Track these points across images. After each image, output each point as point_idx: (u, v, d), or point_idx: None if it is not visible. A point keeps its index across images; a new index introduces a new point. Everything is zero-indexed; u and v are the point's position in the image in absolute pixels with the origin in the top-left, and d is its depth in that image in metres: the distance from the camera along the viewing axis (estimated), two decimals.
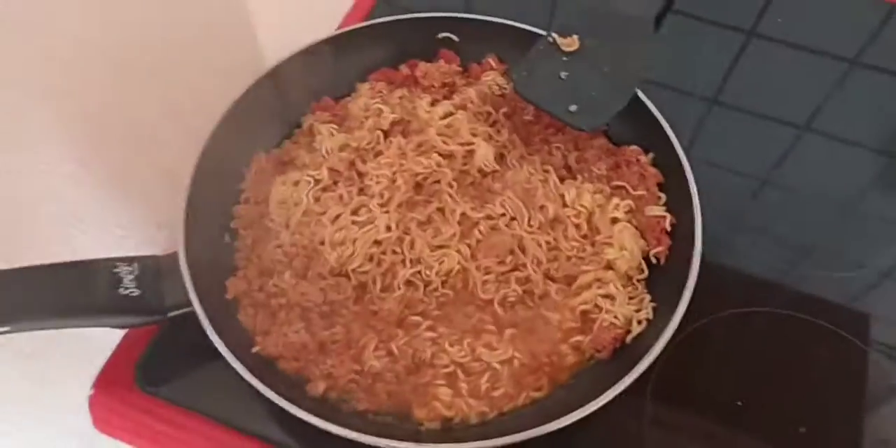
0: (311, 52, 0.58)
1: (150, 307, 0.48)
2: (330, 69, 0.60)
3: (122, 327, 0.50)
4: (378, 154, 0.56)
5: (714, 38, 0.71)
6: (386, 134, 0.57)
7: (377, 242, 0.51)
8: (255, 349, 0.49)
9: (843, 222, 0.61)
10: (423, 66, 0.60)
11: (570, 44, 0.55)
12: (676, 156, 0.54)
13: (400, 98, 0.59)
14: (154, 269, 0.48)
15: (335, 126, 0.58)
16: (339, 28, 0.69)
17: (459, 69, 0.61)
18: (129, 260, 0.48)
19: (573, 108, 0.54)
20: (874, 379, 0.53)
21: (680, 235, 0.53)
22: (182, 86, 0.65)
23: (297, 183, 0.55)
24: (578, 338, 0.51)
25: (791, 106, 0.66)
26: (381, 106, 0.58)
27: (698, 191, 0.52)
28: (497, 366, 0.50)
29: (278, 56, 0.57)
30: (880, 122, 0.65)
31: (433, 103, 0.58)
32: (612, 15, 0.54)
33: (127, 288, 0.47)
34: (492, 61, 0.61)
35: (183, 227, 0.49)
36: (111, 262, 0.48)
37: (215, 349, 0.45)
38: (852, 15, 0.71)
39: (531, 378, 0.50)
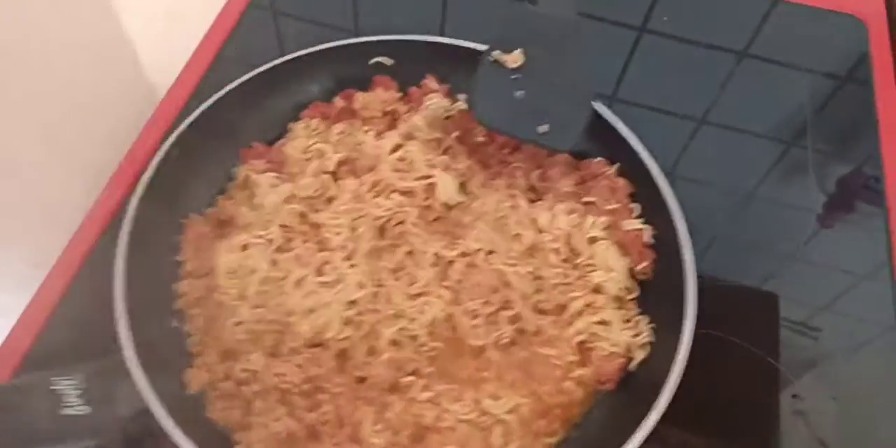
0: (232, 95, 0.51)
1: (103, 424, 0.41)
2: (256, 111, 0.54)
3: None
4: (330, 200, 0.51)
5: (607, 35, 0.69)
6: (334, 176, 0.52)
7: (351, 303, 0.47)
8: None
9: (745, 209, 0.60)
10: (360, 97, 0.55)
11: (515, 59, 0.50)
12: (643, 164, 0.51)
13: (340, 134, 0.54)
14: (100, 378, 0.41)
15: (274, 174, 0.52)
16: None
17: (398, 95, 0.56)
18: (67, 372, 0.41)
19: (543, 128, 0.49)
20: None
21: (662, 246, 0.51)
22: (64, 118, 0.57)
23: (245, 247, 0.48)
24: (580, 371, 0.48)
25: (687, 100, 0.64)
26: (322, 146, 0.52)
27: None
28: (506, 416, 0.46)
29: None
30: (771, 112, 0.65)
31: (378, 136, 0.53)
32: (539, 19, 0.50)
33: (71, 405, 0.40)
34: (430, 83, 0.56)
35: (125, 321, 0.43)
36: (45, 379, 0.41)
37: None
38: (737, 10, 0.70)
39: (542, 423, 0.47)
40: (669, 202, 0.49)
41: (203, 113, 0.50)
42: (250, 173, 0.52)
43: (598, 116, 0.52)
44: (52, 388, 0.40)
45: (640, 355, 0.48)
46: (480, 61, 0.50)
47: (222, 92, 0.51)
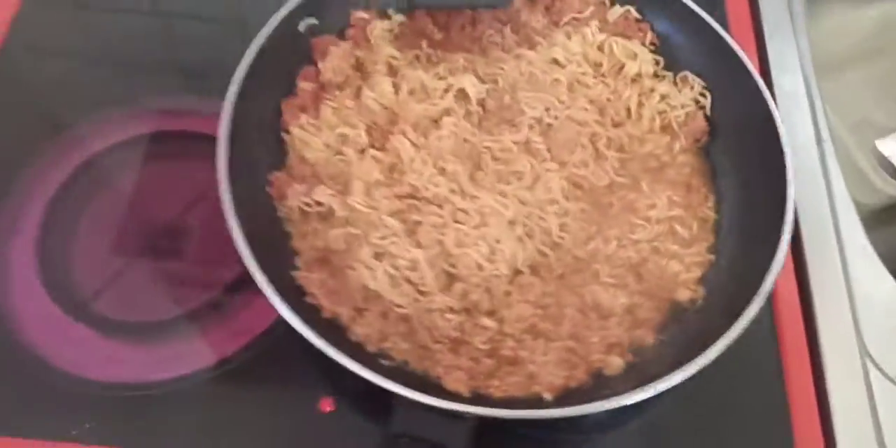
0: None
1: None
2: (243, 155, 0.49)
3: None
4: (393, 168, 0.50)
5: None
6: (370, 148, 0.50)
7: (511, 223, 0.48)
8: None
9: None
10: (323, 67, 0.51)
11: None
12: None
13: (333, 113, 0.51)
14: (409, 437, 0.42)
15: (329, 191, 0.49)
16: None
17: (349, 43, 0.53)
18: None
19: None
20: None
21: (650, 13, 0.55)
22: None
23: (378, 255, 0.46)
24: (678, 144, 0.53)
25: None
26: (340, 131, 0.50)
27: None
28: (672, 212, 0.51)
29: None
30: None
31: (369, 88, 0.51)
32: None
33: None
34: (361, 14, 0.53)
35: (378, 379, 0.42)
36: None
37: None
38: None
39: (694, 196, 0.52)
40: None
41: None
42: (300, 202, 0.48)
43: None
44: None
45: (707, 101, 0.54)
46: None
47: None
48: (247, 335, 0.48)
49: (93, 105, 0.57)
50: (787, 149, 0.48)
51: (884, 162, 0.71)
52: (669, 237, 0.50)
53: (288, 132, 0.51)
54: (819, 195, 0.57)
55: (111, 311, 0.49)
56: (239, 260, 0.43)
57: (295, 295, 0.45)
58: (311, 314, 0.44)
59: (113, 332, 0.48)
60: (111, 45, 0.61)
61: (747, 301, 0.43)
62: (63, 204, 0.52)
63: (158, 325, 0.49)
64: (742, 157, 0.52)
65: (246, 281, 0.43)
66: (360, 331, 0.45)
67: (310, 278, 0.46)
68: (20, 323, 0.48)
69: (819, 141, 0.61)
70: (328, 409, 0.47)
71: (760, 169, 0.50)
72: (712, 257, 0.50)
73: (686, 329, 0.47)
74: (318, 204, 0.48)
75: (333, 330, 0.45)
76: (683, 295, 0.48)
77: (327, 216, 0.49)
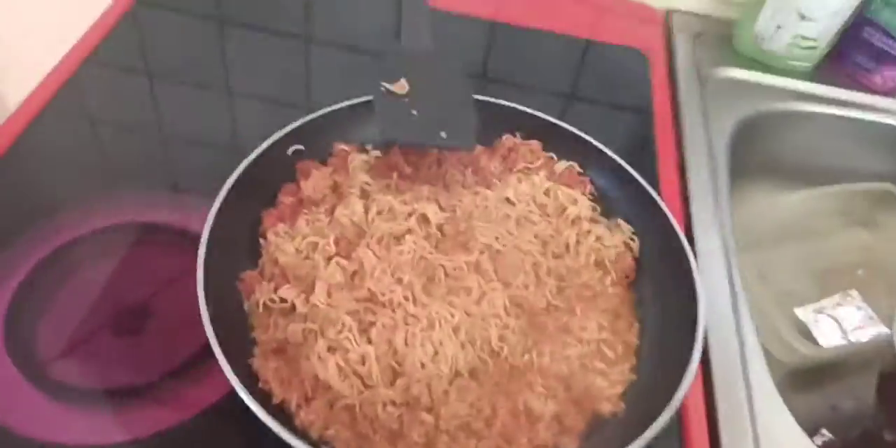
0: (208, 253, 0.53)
1: None
2: (228, 252, 0.55)
3: None
4: (354, 275, 0.55)
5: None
6: (338, 257, 0.57)
7: (456, 329, 0.53)
8: None
9: None
10: (304, 185, 0.59)
11: (402, 87, 0.60)
12: (533, 116, 0.65)
13: (307, 225, 0.58)
14: None
15: (294, 290, 0.54)
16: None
17: (330, 169, 0.62)
18: None
19: (444, 134, 0.59)
20: None
21: (591, 171, 0.66)
22: None
23: (331, 348, 0.51)
24: (609, 278, 0.60)
25: None
26: (312, 239, 0.56)
27: None
28: (600, 335, 0.57)
29: None
30: None
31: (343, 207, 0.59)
32: (409, 53, 0.61)
33: None
34: (341, 146, 0.63)
35: None
36: None
37: None
38: None
39: (621, 323, 0.58)
40: (573, 131, 0.64)
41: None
42: (265, 298, 0.54)
43: (485, 105, 0.64)
44: None
45: (636, 244, 0.62)
46: (375, 95, 0.59)
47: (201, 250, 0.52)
48: (191, 411, 0.51)
49: (79, 193, 0.64)
50: (699, 285, 0.56)
51: (801, 326, 0.79)
52: (597, 356, 0.55)
53: (265, 238, 0.57)
54: (730, 342, 0.63)
55: (66, 377, 0.52)
56: (194, 341, 0.47)
57: (250, 381, 0.49)
58: (262, 399, 0.47)
59: (64, 397, 0.51)
60: (112, 149, 0.70)
61: (659, 412, 0.47)
62: (38, 280, 0.58)
63: (107, 392, 0.52)
64: (661, 290, 0.60)
65: (197, 361, 0.48)
66: (305, 417, 0.48)
67: (265, 367, 0.51)
68: None
69: (734, 294, 0.68)
70: None
71: (676, 299, 0.57)
72: (634, 376, 0.55)
73: (606, 438, 0.50)
74: (283, 301, 0.54)
75: (280, 415, 0.48)
76: (606, 407, 0.53)
77: (288, 312, 0.54)
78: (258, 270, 0.57)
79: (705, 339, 0.54)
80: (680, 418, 0.56)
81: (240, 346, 0.51)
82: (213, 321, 0.48)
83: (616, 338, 0.57)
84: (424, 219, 0.58)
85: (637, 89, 0.85)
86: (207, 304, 0.49)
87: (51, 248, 0.59)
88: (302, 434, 0.48)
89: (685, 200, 0.75)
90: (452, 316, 0.53)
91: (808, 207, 0.91)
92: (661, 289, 0.59)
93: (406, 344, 0.51)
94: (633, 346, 0.57)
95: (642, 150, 0.77)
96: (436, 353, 0.51)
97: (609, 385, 0.54)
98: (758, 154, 0.89)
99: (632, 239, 0.63)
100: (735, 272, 0.69)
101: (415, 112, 0.60)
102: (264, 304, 0.54)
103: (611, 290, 0.60)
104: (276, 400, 0.49)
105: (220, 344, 0.47)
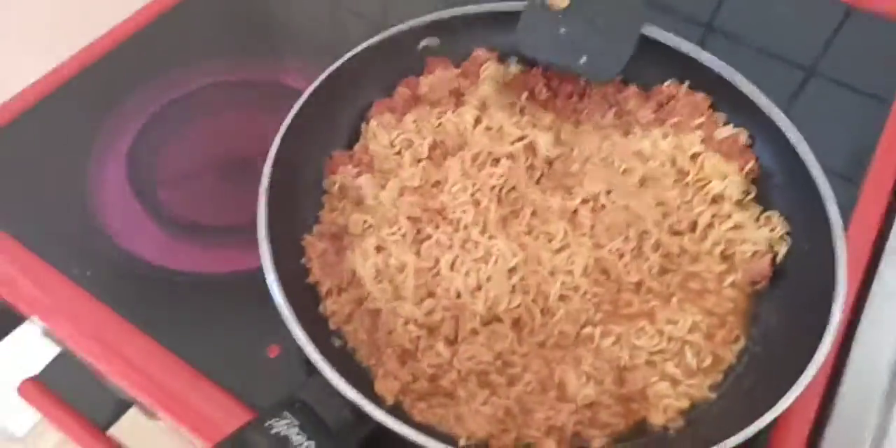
0: (299, 115, 0.50)
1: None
2: (323, 122, 0.52)
3: None
4: (436, 185, 0.50)
5: None
6: (430, 162, 0.52)
7: (511, 271, 0.46)
8: (463, 443, 0.42)
9: None
10: (423, 81, 0.55)
11: (561, 2, 0.52)
12: (713, 72, 0.52)
13: (415, 122, 0.53)
14: (308, 408, 0.40)
15: (369, 175, 0.51)
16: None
17: (457, 71, 0.56)
18: (273, 413, 0.39)
19: (583, 60, 0.52)
20: None
21: (762, 145, 0.52)
22: None
23: (379, 248, 0.47)
24: (731, 278, 0.49)
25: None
26: (407, 135, 0.52)
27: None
28: (689, 337, 0.46)
29: None
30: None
31: (455, 114, 0.53)
32: None
33: (299, 444, 0.39)
34: (481, 53, 0.56)
35: (310, 347, 0.41)
36: (260, 425, 0.39)
37: None
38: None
39: (723, 332, 0.47)
40: (758, 100, 0.51)
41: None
42: (344, 180, 0.51)
43: (658, 43, 0.53)
44: (272, 432, 0.39)
45: (782, 248, 0.49)
46: (529, 3, 0.52)
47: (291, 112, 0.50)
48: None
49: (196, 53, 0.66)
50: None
51: None
52: (675, 358, 0.46)
53: (367, 122, 0.54)
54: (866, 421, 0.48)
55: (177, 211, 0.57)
56: None
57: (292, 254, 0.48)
58: (296, 274, 0.47)
59: (173, 229, 0.56)
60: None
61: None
62: (155, 127, 0.61)
63: (211, 229, 0.56)
64: (793, 316, 0.47)
65: None
66: (331, 306, 0.47)
67: (314, 246, 0.49)
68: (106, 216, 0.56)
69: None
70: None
71: (807, 337, 0.44)
72: (712, 396, 0.44)
73: None
74: (357, 187, 0.50)
75: (309, 298, 0.47)
76: (657, 418, 0.43)
77: (360, 201, 0.51)
78: (349, 154, 0.53)
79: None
80: None
81: (299, 219, 0.50)
82: (275, 187, 0.46)
83: (708, 346, 0.46)
84: (532, 148, 0.51)
85: (888, 74, 0.67)
86: (275, 167, 0.47)
87: (166, 100, 0.62)
88: (321, 321, 0.46)
89: (887, 219, 0.58)
90: (514, 255, 0.46)
91: None
92: (794, 315, 0.46)
93: (452, 268, 0.46)
94: (725, 362, 0.46)
95: (855, 146, 0.61)
96: (478, 287, 0.45)
97: (675, 396, 0.44)
98: None
99: (781, 238, 0.50)
100: None
101: (563, 30, 0.52)
102: (340, 186, 0.51)
103: (727, 292, 0.49)
104: (311, 279, 0.48)
105: (275, 211, 0.46)
